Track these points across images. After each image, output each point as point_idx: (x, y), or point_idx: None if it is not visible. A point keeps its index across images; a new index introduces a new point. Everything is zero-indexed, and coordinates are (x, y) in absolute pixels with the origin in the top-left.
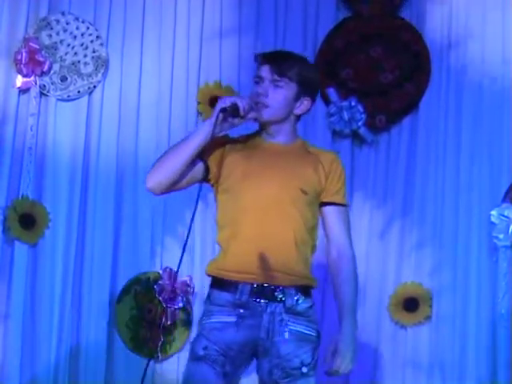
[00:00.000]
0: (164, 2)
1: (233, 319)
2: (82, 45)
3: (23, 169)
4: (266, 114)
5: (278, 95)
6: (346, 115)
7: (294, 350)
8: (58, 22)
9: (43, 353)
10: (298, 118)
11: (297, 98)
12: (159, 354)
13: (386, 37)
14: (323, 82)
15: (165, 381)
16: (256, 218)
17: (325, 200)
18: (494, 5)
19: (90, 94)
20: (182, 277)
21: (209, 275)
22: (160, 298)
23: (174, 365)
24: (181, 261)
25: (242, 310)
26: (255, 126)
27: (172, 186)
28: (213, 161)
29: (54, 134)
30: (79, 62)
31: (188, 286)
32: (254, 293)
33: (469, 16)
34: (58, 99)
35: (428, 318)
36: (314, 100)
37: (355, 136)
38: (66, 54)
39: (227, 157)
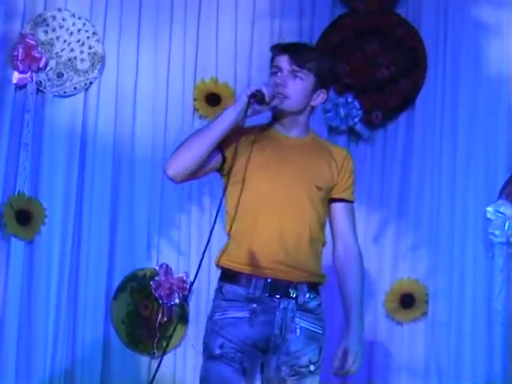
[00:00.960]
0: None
1: (246, 314)
2: (78, 41)
3: (19, 165)
4: (287, 104)
5: (297, 86)
6: (342, 111)
7: (303, 348)
8: (54, 18)
9: (39, 348)
10: (312, 110)
11: (314, 90)
12: (155, 351)
13: (382, 33)
14: None
15: (162, 376)
16: (273, 212)
17: (335, 196)
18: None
19: (87, 90)
20: (179, 273)
21: (220, 267)
22: (156, 295)
23: (171, 361)
24: (199, 269)
25: (254, 305)
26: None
27: (193, 174)
28: (229, 151)
29: (50, 130)
30: (75, 58)
31: (184, 282)
32: (268, 288)
33: (465, 12)
34: (55, 95)
35: (424, 314)
36: (328, 92)
37: (351, 132)
38: (63, 50)
39: (241, 148)
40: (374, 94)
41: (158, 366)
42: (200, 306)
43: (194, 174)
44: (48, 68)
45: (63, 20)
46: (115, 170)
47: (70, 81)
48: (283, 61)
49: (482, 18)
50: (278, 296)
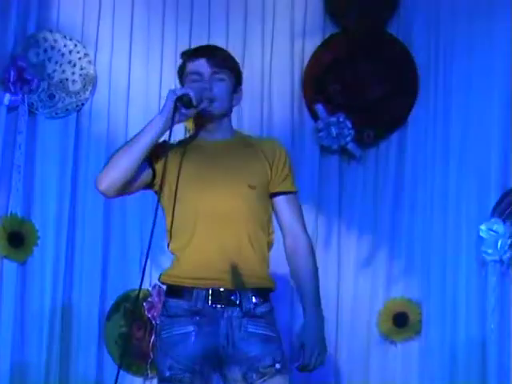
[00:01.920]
0: (151, 19)
1: (190, 329)
2: (69, 62)
3: (12, 186)
4: (215, 107)
5: (222, 87)
6: (333, 131)
7: (262, 350)
8: (45, 39)
9: (32, 369)
10: (231, 110)
11: (235, 90)
12: (149, 372)
13: (373, 52)
14: (311, 98)
15: None
16: (206, 223)
17: (273, 190)
18: (481, 18)
19: (79, 111)
20: None
21: (163, 283)
22: (149, 316)
23: None
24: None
25: (198, 318)
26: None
27: (124, 189)
28: (158, 166)
29: (42, 151)
30: (67, 79)
31: None
32: (210, 298)
33: (456, 31)
34: (47, 117)
35: (418, 333)
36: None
37: (343, 152)
38: (54, 71)
39: (170, 162)
40: (365, 113)
41: None
42: None
43: (126, 188)
44: (40, 89)
45: (55, 41)
46: None
47: (62, 102)
48: (202, 65)
49: (473, 36)
50: (220, 305)
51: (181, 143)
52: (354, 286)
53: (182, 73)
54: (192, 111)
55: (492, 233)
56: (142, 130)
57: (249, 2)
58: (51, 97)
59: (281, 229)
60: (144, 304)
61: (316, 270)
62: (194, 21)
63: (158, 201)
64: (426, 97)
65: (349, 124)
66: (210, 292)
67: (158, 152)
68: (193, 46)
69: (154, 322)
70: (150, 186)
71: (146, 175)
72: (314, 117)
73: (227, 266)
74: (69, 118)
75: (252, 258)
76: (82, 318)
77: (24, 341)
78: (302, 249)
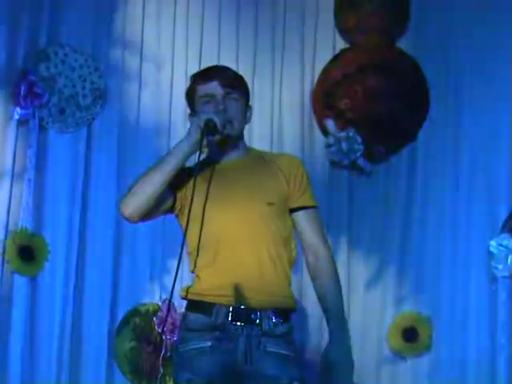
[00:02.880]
0: (162, 35)
1: (208, 343)
2: (80, 77)
3: (22, 200)
4: (234, 128)
5: (237, 108)
6: (344, 146)
7: (280, 369)
8: (56, 54)
9: None
10: (244, 128)
11: (246, 108)
12: None
13: (383, 67)
14: (321, 113)
15: None
16: (228, 243)
17: (293, 206)
18: (492, 33)
19: (89, 126)
20: (182, 309)
21: (183, 298)
22: (159, 330)
23: None
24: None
25: (217, 333)
26: None
27: (149, 213)
28: (179, 190)
29: (53, 166)
30: (77, 94)
31: None
32: (230, 315)
33: (467, 46)
34: (57, 131)
35: (428, 348)
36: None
37: (353, 167)
38: (65, 86)
39: (189, 187)
40: (376, 128)
41: None
42: None
43: (151, 213)
44: (50, 104)
45: (65, 56)
46: (118, 204)
47: (73, 116)
48: (214, 87)
49: (484, 50)
50: (240, 323)
51: (197, 166)
52: (363, 300)
53: (192, 95)
54: (218, 137)
55: (502, 248)
56: (167, 156)
57: (259, 17)
58: (62, 111)
59: (302, 244)
60: (154, 318)
61: (339, 288)
62: (205, 37)
63: (179, 223)
64: (436, 112)
65: (359, 139)
66: (231, 309)
67: (177, 176)
68: (202, 68)
69: (164, 337)
70: (171, 209)
71: (168, 200)
72: (324, 132)
73: (248, 284)
74: (79, 133)
75: (273, 276)
76: (92, 333)
77: (34, 355)
78: (325, 263)
